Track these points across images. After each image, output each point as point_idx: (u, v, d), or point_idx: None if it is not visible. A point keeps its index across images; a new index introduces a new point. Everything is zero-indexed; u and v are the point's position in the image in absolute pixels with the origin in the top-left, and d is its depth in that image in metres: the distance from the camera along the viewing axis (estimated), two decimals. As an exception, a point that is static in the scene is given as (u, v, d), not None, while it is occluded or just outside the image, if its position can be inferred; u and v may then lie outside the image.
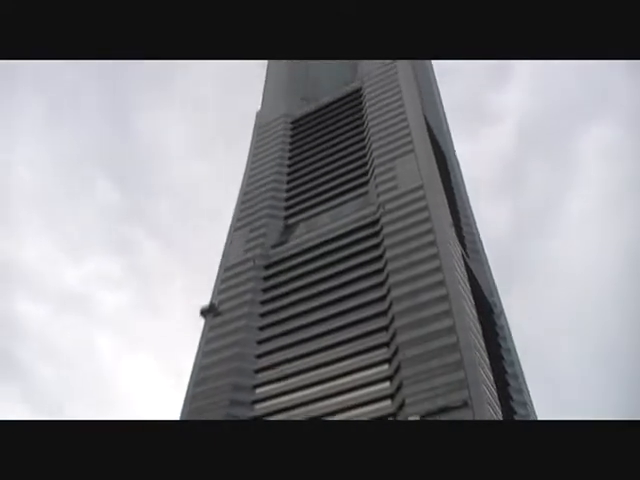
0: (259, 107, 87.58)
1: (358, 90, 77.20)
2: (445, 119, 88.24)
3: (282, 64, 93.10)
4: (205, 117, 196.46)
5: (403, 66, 75.71)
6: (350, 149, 69.77)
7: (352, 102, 76.49)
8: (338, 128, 74.30)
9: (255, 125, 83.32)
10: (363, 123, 71.73)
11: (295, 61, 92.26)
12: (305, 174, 70.74)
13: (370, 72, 77.56)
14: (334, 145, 71.85)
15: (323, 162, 70.55)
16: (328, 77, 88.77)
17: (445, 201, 58.46)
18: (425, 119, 71.46)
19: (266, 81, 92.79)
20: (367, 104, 72.54)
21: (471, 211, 69.74)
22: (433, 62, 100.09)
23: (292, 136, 78.11)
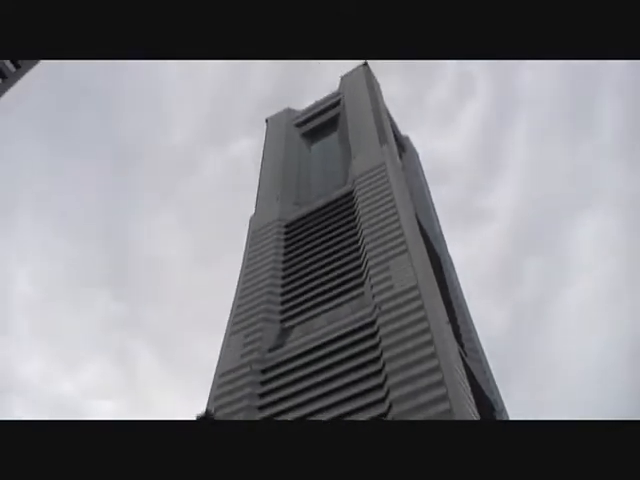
0: (252, 213, 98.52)
1: (350, 193, 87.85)
2: (437, 219, 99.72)
3: (274, 169, 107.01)
4: (201, 223, 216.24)
5: (393, 169, 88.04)
6: (344, 251, 77.20)
7: (344, 205, 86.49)
8: (332, 230, 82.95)
9: (249, 230, 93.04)
10: (356, 225, 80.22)
11: (287, 166, 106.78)
12: (300, 277, 77.15)
13: (361, 175, 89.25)
14: (328, 247, 79.57)
15: (318, 264, 77.39)
16: (319, 181, 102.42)
17: (441, 300, 63.88)
18: (417, 220, 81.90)
19: (259, 187, 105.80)
20: (359, 206, 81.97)
21: (467, 309, 75.93)
22: (423, 164, 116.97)
23: (286, 240, 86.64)
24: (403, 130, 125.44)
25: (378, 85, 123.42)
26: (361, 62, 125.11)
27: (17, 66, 32.58)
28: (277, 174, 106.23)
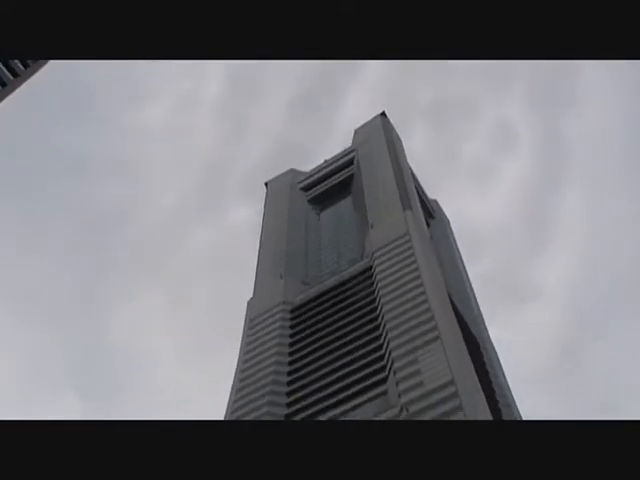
0: (251, 294, 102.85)
1: (368, 269, 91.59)
2: (474, 298, 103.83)
3: (277, 242, 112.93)
4: (191, 307, 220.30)
5: (420, 239, 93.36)
6: (363, 340, 78.89)
7: (362, 284, 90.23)
8: (347, 315, 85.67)
9: (247, 316, 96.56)
10: (377, 308, 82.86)
11: (292, 238, 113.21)
12: (309, 373, 78.41)
13: (381, 248, 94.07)
14: (343, 336, 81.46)
15: (331, 357, 78.83)
16: (331, 256, 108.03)
17: (483, 397, 64.69)
18: (450, 299, 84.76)
19: (258, 263, 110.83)
20: (379, 285, 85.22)
21: (515, 406, 77.26)
22: (456, 232, 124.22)
23: (292, 327, 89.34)
24: (431, 192, 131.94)
25: (399, 139, 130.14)
26: (378, 113, 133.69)
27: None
28: (280, 248, 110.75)
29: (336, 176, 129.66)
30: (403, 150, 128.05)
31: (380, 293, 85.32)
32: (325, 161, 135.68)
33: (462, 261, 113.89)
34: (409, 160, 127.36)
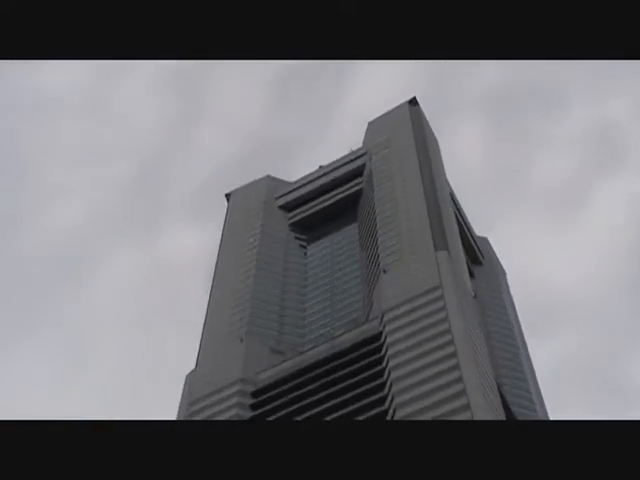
0: (192, 365, 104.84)
1: (376, 338, 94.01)
2: (538, 394, 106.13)
3: (237, 288, 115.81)
4: (96, 378, 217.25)
5: (458, 297, 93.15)
6: None
7: (364, 359, 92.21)
8: (340, 407, 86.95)
9: (184, 398, 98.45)
10: (385, 397, 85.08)
11: (262, 283, 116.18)
12: None
13: (397, 306, 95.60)
14: None
15: None
16: (321, 313, 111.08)
17: None
18: (500, 394, 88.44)
19: (207, 319, 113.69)
20: (391, 364, 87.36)
21: None
22: (515, 290, 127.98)
23: (254, 419, 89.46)
24: (479, 227, 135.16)
25: (435, 142, 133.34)
26: (404, 100, 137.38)
27: None
28: (242, 296, 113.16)
29: (335, 191, 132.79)
30: (441, 159, 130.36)
31: (392, 377, 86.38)
32: (320, 168, 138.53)
33: (522, 334, 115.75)
34: (449, 175, 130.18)
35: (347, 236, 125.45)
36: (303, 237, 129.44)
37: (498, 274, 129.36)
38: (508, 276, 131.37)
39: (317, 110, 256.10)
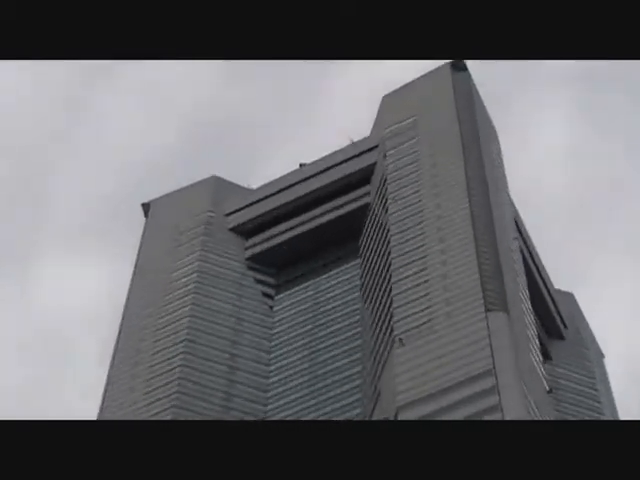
0: None
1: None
2: None
3: (161, 362, 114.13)
4: None
5: (519, 392, 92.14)
6: None
7: None
8: None
9: None
10: None
11: (197, 359, 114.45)
12: None
13: (420, 401, 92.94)
14: None
15: None
16: (298, 404, 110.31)
17: None
18: None
19: (104, 403, 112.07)
20: None
21: None
22: (621, 380, 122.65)
23: None
24: (564, 281, 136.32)
25: (496, 138, 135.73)
26: (443, 62, 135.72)
27: None
28: (164, 371, 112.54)
29: (324, 208, 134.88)
30: (502, 164, 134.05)
31: None
32: (301, 168, 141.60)
33: None
34: (514, 193, 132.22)
35: (341, 282, 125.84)
36: (268, 280, 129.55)
37: (590, 355, 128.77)
38: (607, 359, 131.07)
39: (295, 81, 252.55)
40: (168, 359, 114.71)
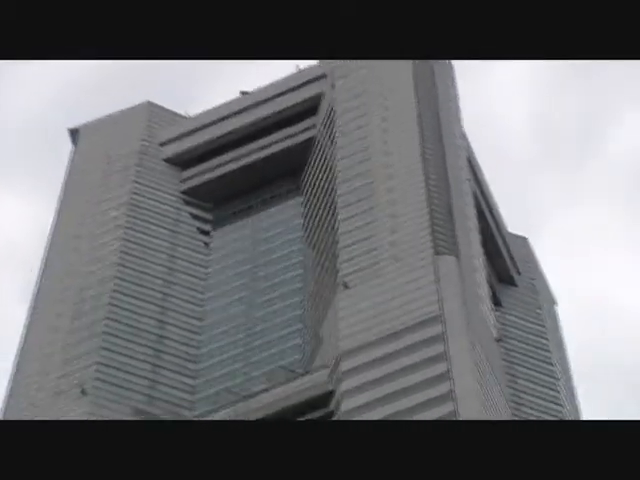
0: None
1: (321, 402, 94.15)
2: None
3: (82, 304, 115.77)
4: None
5: (467, 339, 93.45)
6: None
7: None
8: None
9: None
10: None
11: (124, 316, 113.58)
12: None
13: (363, 348, 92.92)
14: None
15: None
16: (230, 353, 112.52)
17: None
18: None
19: (21, 357, 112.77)
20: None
21: None
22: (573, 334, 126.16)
23: None
24: (519, 225, 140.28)
25: (451, 72, 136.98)
26: None
27: None
28: (87, 318, 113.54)
29: (265, 140, 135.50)
30: (458, 103, 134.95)
31: None
32: (242, 95, 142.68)
33: (575, 404, 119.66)
34: (471, 135, 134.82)
35: (281, 218, 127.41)
36: (204, 215, 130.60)
37: (542, 301, 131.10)
38: (559, 307, 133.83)
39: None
40: (94, 296, 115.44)
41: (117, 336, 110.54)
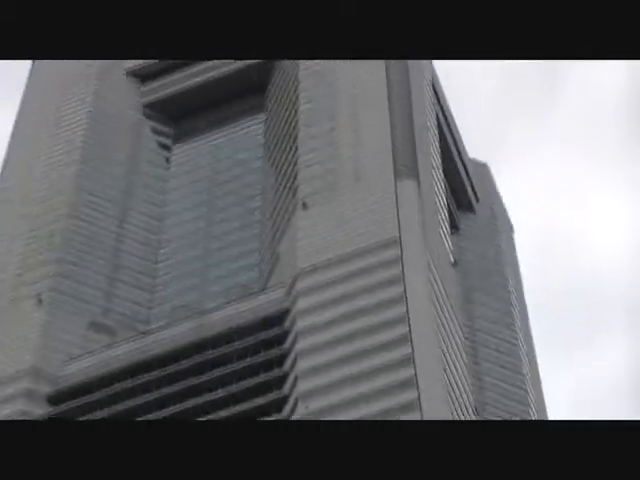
0: None
1: (278, 318, 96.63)
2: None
3: (39, 219, 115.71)
4: None
5: (424, 260, 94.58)
6: None
7: (259, 347, 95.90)
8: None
9: None
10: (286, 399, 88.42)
11: (85, 215, 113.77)
12: None
13: (323, 267, 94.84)
14: None
15: None
16: (189, 267, 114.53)
17: None
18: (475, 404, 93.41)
19: None
20: (299, 365, 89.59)
21: None
22: (525, 250, 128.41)
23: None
24: (480, 152, 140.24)
25: None
26: None
27: None
28: (45, 227, 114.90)
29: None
30: None
31: (298, 381, 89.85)
32: None
33: (528, 330, 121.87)
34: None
35: (243, 136, 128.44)
36: (165, 130, 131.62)
37: (500, 228, 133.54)
38: (516, 234, 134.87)
39: None
40: (54, 207, 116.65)
41: (75, 248, 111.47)
